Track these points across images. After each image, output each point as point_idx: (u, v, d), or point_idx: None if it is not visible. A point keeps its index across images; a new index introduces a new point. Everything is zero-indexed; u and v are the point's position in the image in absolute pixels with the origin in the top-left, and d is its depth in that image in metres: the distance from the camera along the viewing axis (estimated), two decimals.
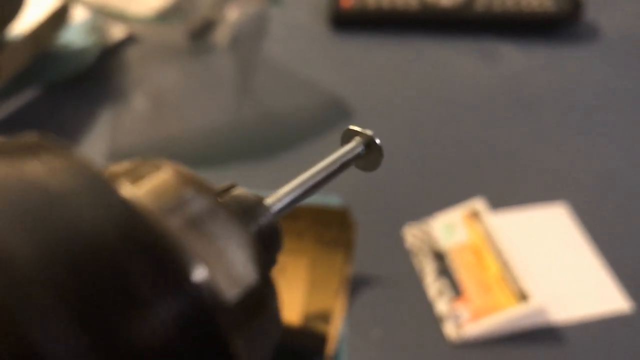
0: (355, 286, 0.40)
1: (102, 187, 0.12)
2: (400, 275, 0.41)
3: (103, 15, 0.60)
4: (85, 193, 0.11)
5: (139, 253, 0.11)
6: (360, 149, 0.19)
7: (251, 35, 0.64)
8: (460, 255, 0.41)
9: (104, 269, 0.11)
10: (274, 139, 0.53)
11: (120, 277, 0.11)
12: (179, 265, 0.11)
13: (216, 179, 0.52)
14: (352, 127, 0.19)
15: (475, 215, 0.43)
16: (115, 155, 0.51)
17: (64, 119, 0.54)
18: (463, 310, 0.38)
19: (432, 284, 0.40)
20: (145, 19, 0.60)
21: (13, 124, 0.54)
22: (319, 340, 0.37)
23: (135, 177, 0.14)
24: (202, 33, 0.64)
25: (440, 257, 0.42)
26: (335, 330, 0.37)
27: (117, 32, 0.62)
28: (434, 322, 0.39)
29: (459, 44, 0.62)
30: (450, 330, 0.38)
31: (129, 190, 0.13)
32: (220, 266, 0.13)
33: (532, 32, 0.63)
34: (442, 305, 0.39)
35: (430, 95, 0.57)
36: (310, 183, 0.17)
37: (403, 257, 0.42)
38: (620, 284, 0.40)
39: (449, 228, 0.43)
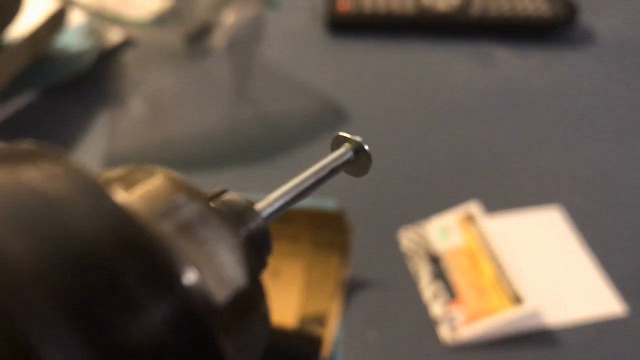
0: (351, 289, 0.40)
1: (97, 193, 0.12)
2: (396, 278, 0.42)
3: (100, 19, 0.60)
4: (80, 199, 0.12)
5: (132, 256, 0.11)
6: (349, 155, 0.19)
7: (248, 39, 0.65)
8: (455, 258, 0.41)
9: (98, 271, 0.11)
10: (271, 142, 0.53)
11: (113, 279, 0.11)
12: (170, 268, 0.12)
13: (213, 182, 0.52)
14: (341, 133, 0.19)
15: (470, 219, 0.43)
16: (112, 158, 0.51)
17: (61, 122, 0.54)
18: (458, 313, 0.39)
19: (427, 287, 0.40)
20: (142, 22, 0.60)
21: (11, 127, 0.54)
22: (315, 343, 0.37)
23: (128, 183, 0.14)
24: (198, 37, 0.64)
25: (435, 260, 0.42)
26: (331, 333, 0.38)
27: (114, 35, 0.63)
28: (429, 325, 0.39)
29: (455, 48, 0.63)
30: (445, 333, 0.38)
31: (122, 196, 0.13)
32: (210, 269, 0.13)
33: (527, 37, 0.63)
34: (437, 308, 0.39)
35: (426, 99, 0.57)
36: (300, 188, 0.18)
37: (398, 260, 0.42)
38: (614, 287, 0.40)
39: (444, 231, 0.43)
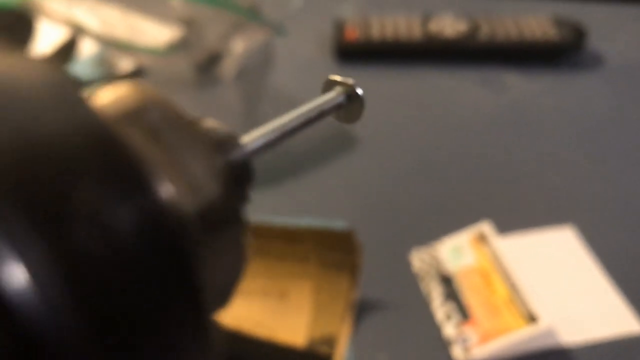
0: (361, 310, 0.40)
1: (66, 88, 0.12)
2: (407, 300, 0.41)
3: (111, 48, 0.61)
4: (49, 92, 0.11)
5: (101, 160, 0.11)
6: (340, 98, 0.18)
7: (257, 68, 0.65)
8: (468, 278, 0.41)
9: (60, 168, 0.10)
10: (280, 168, 0.53)
11: (80, 184, 0.10)
12: (140, 175, 0.11)
13: None
14: (332, 77, 0.18)
15: (482, 239, 0.43)
16: None
17: None
18: (471, 333, 0.38)
19: (440, 308, 0.40)
20: (153, 51, 0.61)
21: None
22: None
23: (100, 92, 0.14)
24: (208, 65, 0.64)
25: (447, 281, 0.41)
26: (341, 355, 0.37)
27: (125, 64, 0.63)
28: (442, 346, 0.38)
29: (463, 73, 0.63)
30: (458, 353, 0.37)
31: (93, 98, 0.13)
32: (180, 175, 0.13)
33: (535, 61, 0.63)
34: (449, 329, 0.38)
35: (435, 123, 0.57)
36: (287, 128, 0.17)
37: (410, 281, 0.42)
38: (631, 306, 0.39)
39: (456, 252, 0.43)
